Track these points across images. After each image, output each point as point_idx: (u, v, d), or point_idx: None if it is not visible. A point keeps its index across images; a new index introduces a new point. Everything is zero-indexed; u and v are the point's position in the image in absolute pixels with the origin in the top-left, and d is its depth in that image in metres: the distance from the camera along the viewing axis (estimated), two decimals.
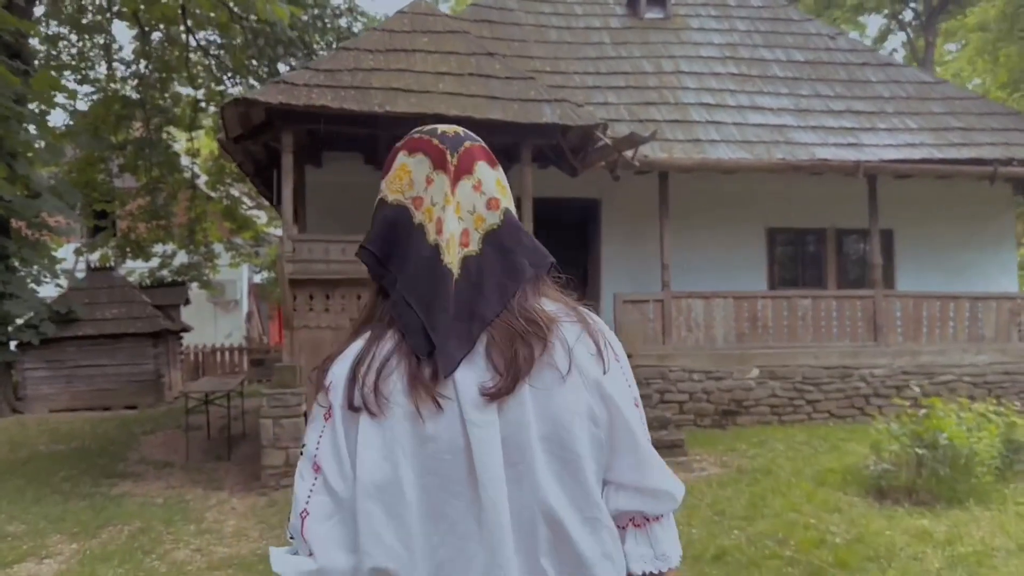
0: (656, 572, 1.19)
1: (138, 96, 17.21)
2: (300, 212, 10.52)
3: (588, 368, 1.15)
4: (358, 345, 1.18)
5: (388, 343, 1.15)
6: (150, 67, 17.60)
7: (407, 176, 1.22)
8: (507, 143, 9.63)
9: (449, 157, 1.21)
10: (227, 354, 19.96)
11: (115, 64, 18.10)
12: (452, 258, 1.16)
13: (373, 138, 9.63)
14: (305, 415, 8.28)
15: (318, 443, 1.16)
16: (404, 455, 1.10)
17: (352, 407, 1.13)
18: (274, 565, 1.13)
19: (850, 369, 10.88)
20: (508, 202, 1.25)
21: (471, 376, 1.12)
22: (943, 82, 13.39)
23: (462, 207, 1.19)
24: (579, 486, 1.13)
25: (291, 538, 1.16)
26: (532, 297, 1.18)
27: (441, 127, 1.26)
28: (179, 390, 14.78)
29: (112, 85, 17.73)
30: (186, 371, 18.47)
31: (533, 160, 9.20)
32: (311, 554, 1.12)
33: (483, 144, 1.28)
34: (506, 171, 1.35)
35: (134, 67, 18.08)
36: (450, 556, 1.09)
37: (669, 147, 10.45)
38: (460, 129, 1.27)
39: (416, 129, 1.28)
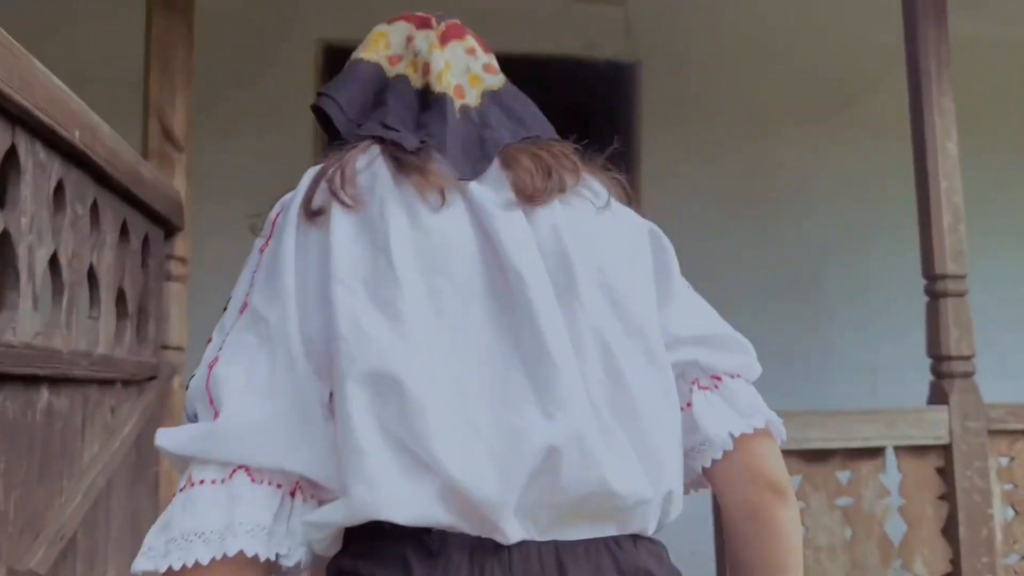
0: (750, 431, 0.87)
1: None
2: None
3: (627, 215, 0.94)
4: (315, 168, 0.88)
5: (362, 154, 0.87)
6: None
7: (383, 39, 1.02)
8: None
9: (435, 23, 1.00)
10: None
11: None
12: (447, 85, 0.93)
13: None
14: None
15: (251, 282, 0.84)
16: (397, 244, 0.80)
17: (313, 210, 0.82)
18: (157, 440, 0.80)
19: None
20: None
21: (487, 190, 0.86)
22: None
23: (452, 65, 0.97)
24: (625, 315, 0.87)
25: (193, 415, 0.79)
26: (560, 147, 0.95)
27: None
28: None
29: None
30: None
31: None
32: (216, 412, 0.76)
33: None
34: None
35: None
36: (469, 366, 0.79)
37: None
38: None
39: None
